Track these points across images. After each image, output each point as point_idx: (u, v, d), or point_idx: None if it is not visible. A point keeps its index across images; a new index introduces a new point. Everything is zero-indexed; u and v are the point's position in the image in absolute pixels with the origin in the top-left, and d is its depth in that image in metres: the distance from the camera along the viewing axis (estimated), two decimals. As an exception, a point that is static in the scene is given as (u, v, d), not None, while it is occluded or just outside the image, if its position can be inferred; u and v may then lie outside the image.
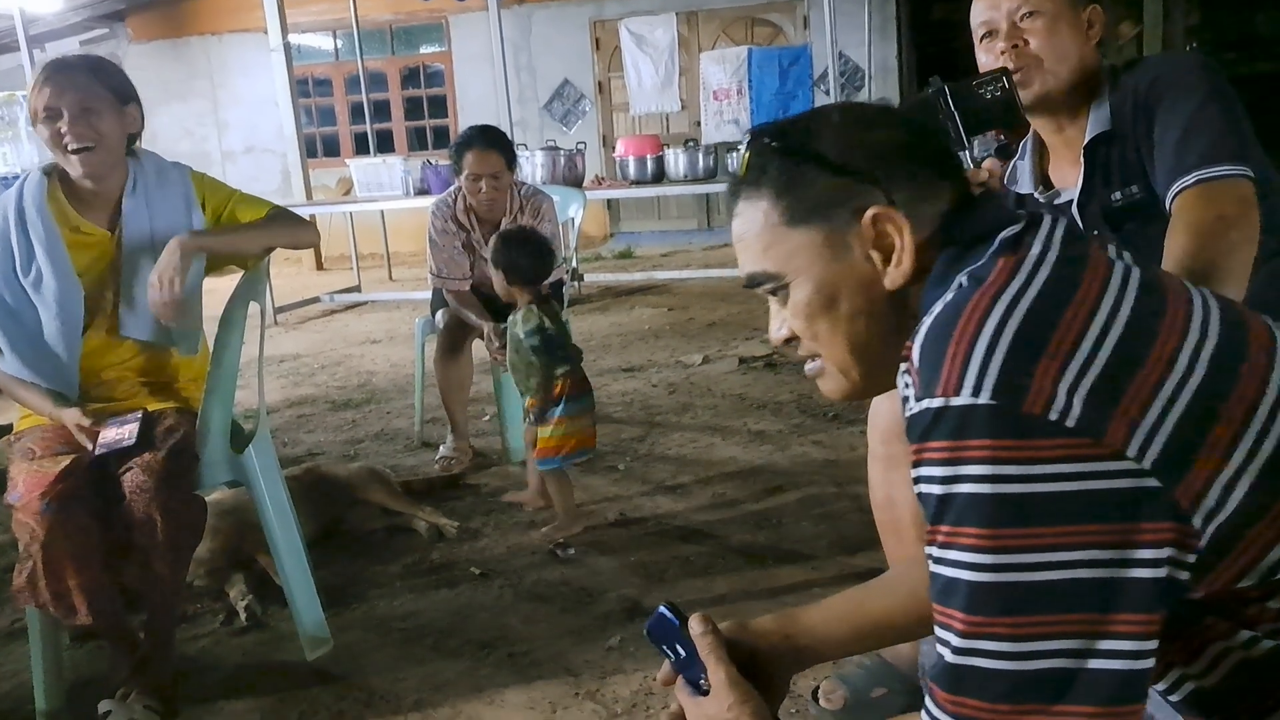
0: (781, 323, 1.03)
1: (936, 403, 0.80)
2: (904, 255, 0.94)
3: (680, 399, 4.23)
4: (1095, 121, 1.74)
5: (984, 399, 0.77)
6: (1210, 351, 0.81)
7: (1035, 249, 0.86)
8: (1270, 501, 0.79)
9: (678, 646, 1.07)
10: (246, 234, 2.25)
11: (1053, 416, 0.76)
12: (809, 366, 1.04)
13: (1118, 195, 1.73)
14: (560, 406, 2.73)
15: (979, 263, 0.88)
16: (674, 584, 2.48)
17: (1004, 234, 0.89)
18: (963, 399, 0.78)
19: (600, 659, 2.13)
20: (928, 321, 0.86)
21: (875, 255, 0.95)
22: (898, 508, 1.71)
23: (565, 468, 2.82)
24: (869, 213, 0.94)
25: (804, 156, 0.97)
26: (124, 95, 2.19)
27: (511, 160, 3.50)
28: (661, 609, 1.08)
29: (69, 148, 2.10)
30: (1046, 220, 0.91)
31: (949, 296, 0.87)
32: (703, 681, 1.05)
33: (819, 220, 0.96)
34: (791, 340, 1.03)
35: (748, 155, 1.01)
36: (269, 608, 2.47)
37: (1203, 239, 1.52)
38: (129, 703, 1.99)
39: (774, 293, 1.01)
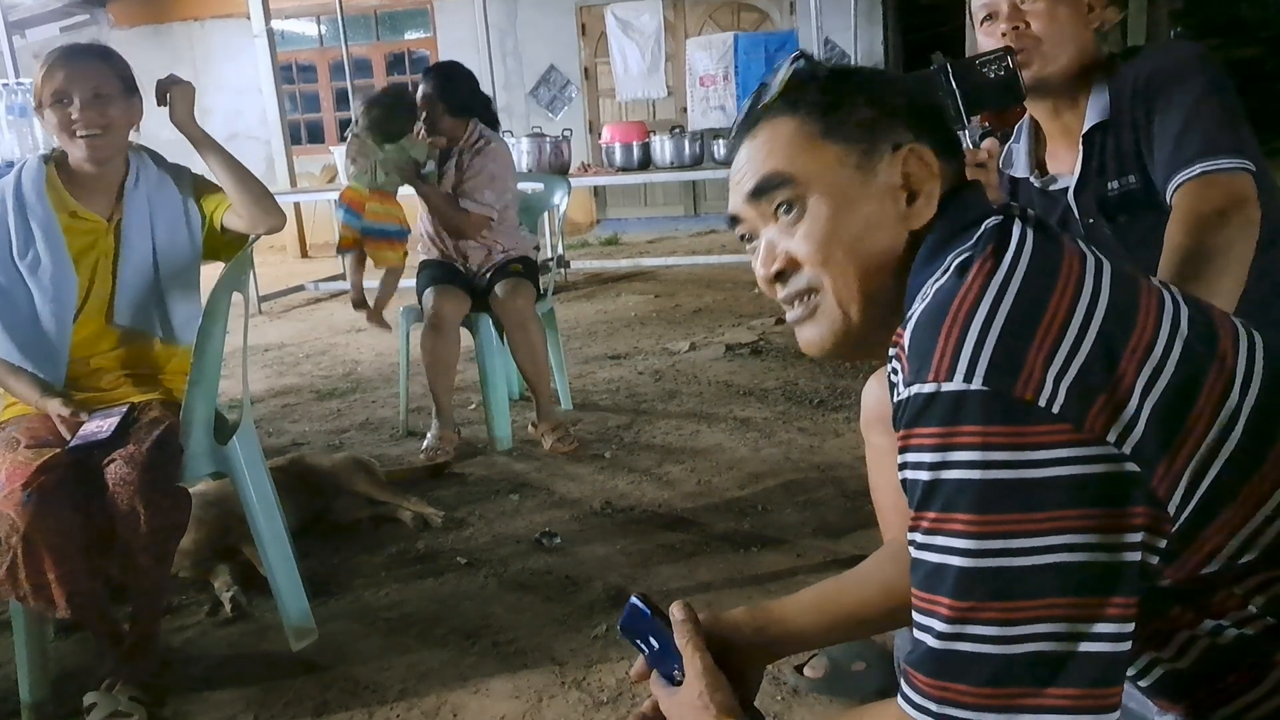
0: (774, 256, 0.99)
1: (928, 388, 0.80)
2: (931, 198, 0.95)
3: (666, 386, 4.23)
4: (1094, 109, 1.74)
5: (976, 384, 0.77)
6: (1183, 342, 0.83)
7: (1016, 237, 0.87)
8: (1237, 488, 0.81)
9: (650, 639, 1.07)
10: (239, 167, 2.23)
11: (1041, 402, 0.76)
12: (795, 311, 1.00)
13: (1114, 185, 1.73)
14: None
15: (966, 247, 0.88)
16: (659, 571, 2.48)
17: (989, 222, 0.90)
18: (955, 384, 0.78)
19: (585, 647, 2.14)
20: (919, 308, 0.86)
21: (901, 193, 0.95)
22: (879, 493, 1.72)
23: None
24: (906, 146, 0.95)
25: (850, 85, 0.98)
26: (132, 85, 2.23)
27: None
28: (634, 600, 1.07)
29: (78, 133, 2.12)
30: (1025, 211, 0.93)
31: (942, 282, 0.87)
32: (676, 673, 1.04)
33: (855, 141, 0.96)
34: (784, 274, 0.99)
35: (789, 76, 1.00)
36: (254, 598, 2.47)
37: (1202, 232, 1.52)
38: (114, 694, 1.99)
39: (784, 207, 0.97)
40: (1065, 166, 1.81)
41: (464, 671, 2.10)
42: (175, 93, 2.20)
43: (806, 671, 1.90)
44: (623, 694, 1.95)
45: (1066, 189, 1.79)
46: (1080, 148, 1.76)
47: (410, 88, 3.66)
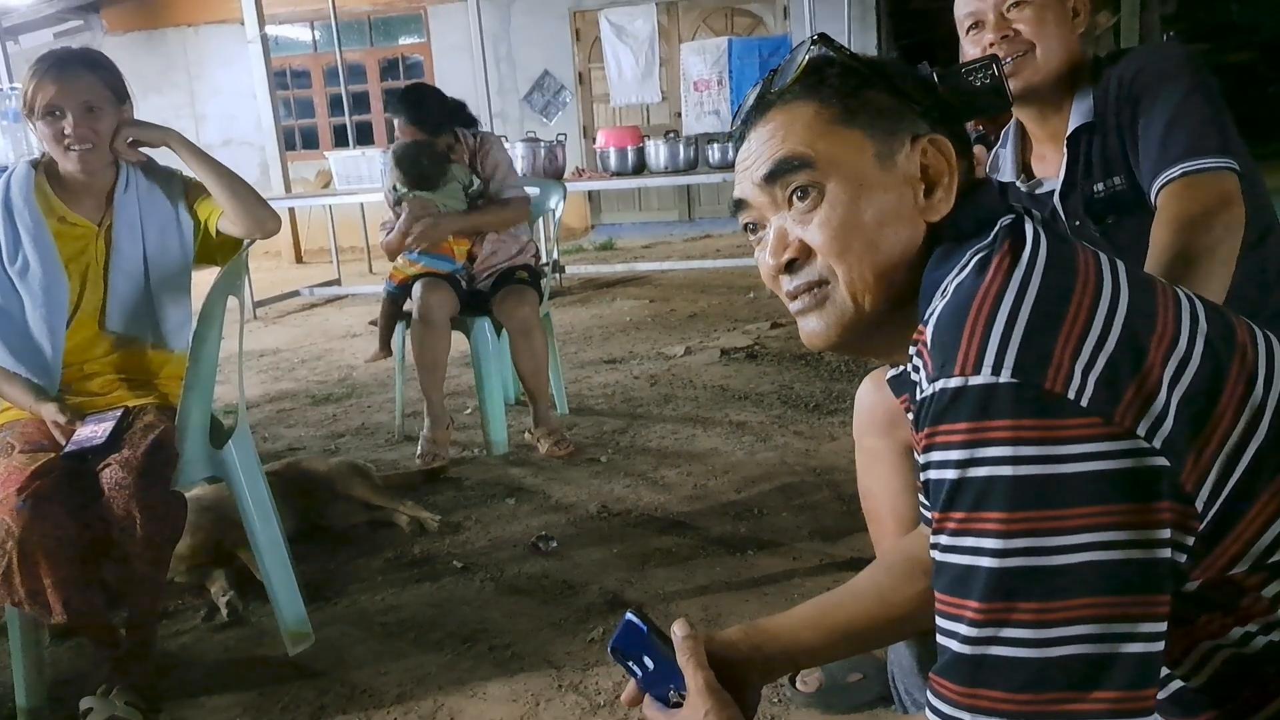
0: (785, 244, 0.96)
1: (954, 382, 0.77)
2: (949, 192, 0.93)
3: (662, 391, 4.24)
4: (1078, 112, 1.74)
5: (1005, 377, 0.75)
6: (1204, 337, 0.81)
7: (1031, 236, 0.86)
8: (1264, 485, 0.80)
9: (645, 659, 1.02)
10: (228, 175, 2.23)
11: (1071, 395, 0.74)
12: (802, 301, 0.97)
13: (1100, 186, 1.73)
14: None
15: (984, 244, 0.87)
16: (655, 575, 2.48)
17: (1003, 220, 0.89)
18: (983, 377, 0.76)
19: (582, 651, 2.14)
20: (940, 304, 0.85)
21: (919, 185, 0.93)
22: (871, 499, 1.72)
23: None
24: (926, 137, 0.93)
25: (871, 71, 0.96)
26: (122, 93, 2.23)
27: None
28: (629, 616, 1.03)
29: (70, 146, 2.13)
30: (1032, 212, 0.93)
31: (962, 278, 0.85)
32: (672, 694, 1.00)
33: (875, 130, 0.93)
34: (794, 263, 0.96)
35: (806, 60, 0.97)
36: (250, 603, 2.47)
37: (1188, 232, 1.52)
38: (111, 699, 1.99)
39: (799, 193, 0.94)
40: (1051, 170, 1.82)
41: (461, 675, 2.10)
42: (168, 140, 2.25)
43: (799, 685, 1.88)
44: (620, 697, 1.95)
45: (1053, 192, 1.80)
46: (1065, 151, 1.77)
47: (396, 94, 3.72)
